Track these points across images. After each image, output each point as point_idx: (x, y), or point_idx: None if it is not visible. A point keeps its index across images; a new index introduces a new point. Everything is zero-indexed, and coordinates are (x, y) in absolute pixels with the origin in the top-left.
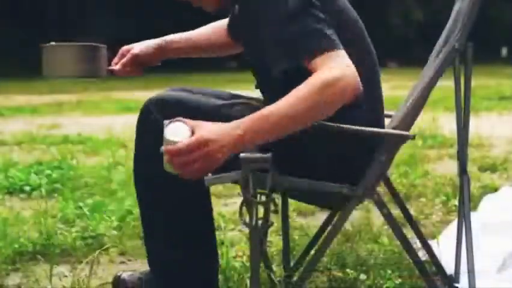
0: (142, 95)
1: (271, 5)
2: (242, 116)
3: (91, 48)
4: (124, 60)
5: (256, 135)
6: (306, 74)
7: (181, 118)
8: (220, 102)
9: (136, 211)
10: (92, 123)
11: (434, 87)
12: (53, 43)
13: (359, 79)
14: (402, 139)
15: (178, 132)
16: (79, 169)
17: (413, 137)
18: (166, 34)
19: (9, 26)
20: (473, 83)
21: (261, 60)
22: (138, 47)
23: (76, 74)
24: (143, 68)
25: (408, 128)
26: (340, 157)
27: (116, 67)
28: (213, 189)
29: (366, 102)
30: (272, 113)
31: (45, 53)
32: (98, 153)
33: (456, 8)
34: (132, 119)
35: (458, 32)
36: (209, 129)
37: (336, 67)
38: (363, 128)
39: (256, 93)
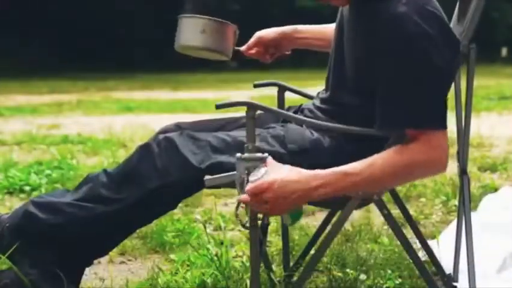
0: (142, 95)
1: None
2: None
3: (220, 24)
4: (249, 41)
5: (330, 190)
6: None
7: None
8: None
9: None
10: (92, 123)
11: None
12: (186, 15)
13: (447, 162)
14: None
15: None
16: (79, 169)
17: None
18: None
19: (9, 26)
20: (474, 83)
21: (348, 75)
22: (264, 30)
23: (201, 44)
24: (272, 56)
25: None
26: (341, 157)
27: (242, 48)
28: (212, 189)
29: None
30: (355, 174)
31: (178, 25)
32: (98, 153)
33: (458, 8)
34: (132, 119)
35: (461, 33)
36: (286, 174)
37: (436, 148)
38: (363, 128)
39: (256, 92)
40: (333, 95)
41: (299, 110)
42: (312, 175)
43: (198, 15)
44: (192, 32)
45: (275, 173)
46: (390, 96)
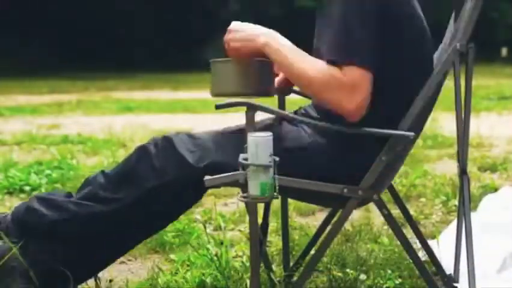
0: (142, 95)
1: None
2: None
3: (259, 64)
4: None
5: (268, 50)
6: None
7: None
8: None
9: None
10: (92, 123)
11: (437, 88)
12: (218, 59)
13: (358, 109)
14: (402, 139)
15: None
16: (79, 169)
17: (413, 137)
18: None
19: (9, 26)
20: (473, 83)
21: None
22: None
23: (250, 91)
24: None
25: (411, 129)
26: (341, 157)
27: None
28: (212, 189)
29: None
30: (288, 53)
31: (213, 70)
32: (98, 153)
33: (455, 7)
34: (132, 119)
35: (459, 33)
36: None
37: (351, 88)
38: (364, 128)
39: None
40: None
41: (298, 110)
42: (261, 32)
43: (231, 58)
44: (228, 77)
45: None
46: (328, 34)
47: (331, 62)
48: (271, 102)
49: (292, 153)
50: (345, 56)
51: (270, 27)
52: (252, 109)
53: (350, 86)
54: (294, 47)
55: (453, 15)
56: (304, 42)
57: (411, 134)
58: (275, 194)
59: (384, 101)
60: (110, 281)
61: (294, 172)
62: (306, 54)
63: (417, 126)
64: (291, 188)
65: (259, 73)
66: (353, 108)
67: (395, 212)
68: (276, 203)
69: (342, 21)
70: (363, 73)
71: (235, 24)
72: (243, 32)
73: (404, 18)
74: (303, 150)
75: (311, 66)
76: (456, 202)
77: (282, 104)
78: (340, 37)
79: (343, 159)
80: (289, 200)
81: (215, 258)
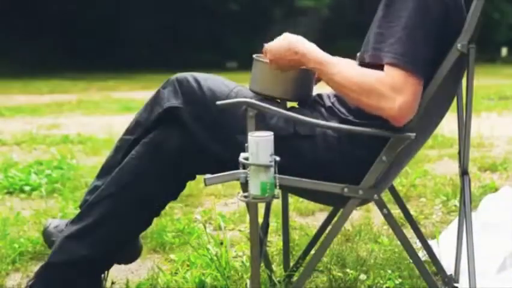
0: (142, 95)
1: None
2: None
3: (306, 72)
4: None
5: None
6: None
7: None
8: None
9: None
10: (92, 123)
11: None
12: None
13: (402, 114)
14: (403, 140)
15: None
16: (79, 169)
17: (414, 138)
18: None
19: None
20: (474, 83)
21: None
22: None
23: (287, 96)
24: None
25: (411, 129)
26: (343, 157)
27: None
28: (212, 189)
29: None
30: (330, 67)
31: (255, 67)
32: (98, 153)
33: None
34: (132, 119)
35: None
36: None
37: (393, 88)
38: (363, 128)
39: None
40: None
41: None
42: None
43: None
44: (265, 78)
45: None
46: (379, 27)
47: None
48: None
49: (301, 138)
50: (400, 59)
51: (269, 26)
52: (252, 109)
53: (390, 86)
54: (329, 57)
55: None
56: None
57: (412, 134)
58: (276, 194)
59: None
60: (113, 283)
61: (300, 159)
62: (341, 61)
63: (424, 128)
64: (293, 186)
65: (300, 80)
66: (395, 109)
67: (395, 212)
68: (276, 203)
69: (406, 23)
70: (408, 79)
71: (270, 45)
72: (278, 51)
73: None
74: (312, 137)
75: (353, 74)
76: (456, 202)
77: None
78: (401, 38)
79: (349, 155)
80: (289, 200)
81: (215, 258)
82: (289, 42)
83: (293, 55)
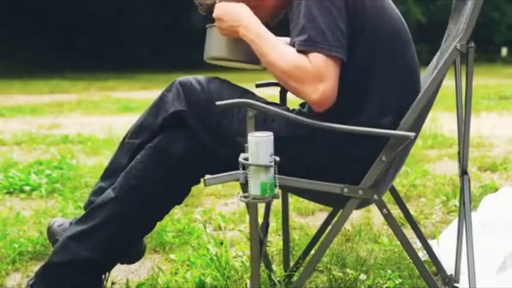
0: (142, 95)
1: None
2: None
3: None
4: None
5: (245, 35)
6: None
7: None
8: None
9: None
10: (92, 123)
11: (437, 88)
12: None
13: (324, 98)
14: (403, 140)
15: None
16: (79, 169)
17: (413, 138)
18: None
19: (9, 26)
20: (473, 83)
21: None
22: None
23: (233, 57)
24: None
25: (411, 129)
26: (342, 157)
27: None
28: (212, 189)
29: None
30: (263, 43)
31: (207, 34)
32: (98, 153)
33: (455, 8)
34: (132, 118)
35: (460, 32)
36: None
37: (322, 77)
38: (364, 128)
39: (257, 92)
40: None
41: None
42: (239, 18)
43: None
44: (221, 42)
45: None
46: (298, 15)
47: (299, 51)
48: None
49: (301, 139)
50: (311, 44)
51: (270, 27)
52: (252, 109)
53: (315, 75)
54: (268, 35)
55: (452, 15)
56: None
57: (412, 134)
58: (276, 194)
59: (351, 90)
60: (113, 283)
61: (299, 160)
62: (279, 42)
63: (417, 126)
64: (292, 187)
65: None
66: (318, 97)
67: (395, 212)
68: (276, 203)
69: (304, 10)
70: (329, 62)
71: (219, 11)
72: (226, 23)
73: (372, 10)
74: (312, 138)
75: (280, 56)
76: (456, 202)
77: (283, 100)
78: (304, 25)
79: (349, 155)
80: (289, 200)
81: (215, 258)
82: (233, 10)
83: (233, 22)
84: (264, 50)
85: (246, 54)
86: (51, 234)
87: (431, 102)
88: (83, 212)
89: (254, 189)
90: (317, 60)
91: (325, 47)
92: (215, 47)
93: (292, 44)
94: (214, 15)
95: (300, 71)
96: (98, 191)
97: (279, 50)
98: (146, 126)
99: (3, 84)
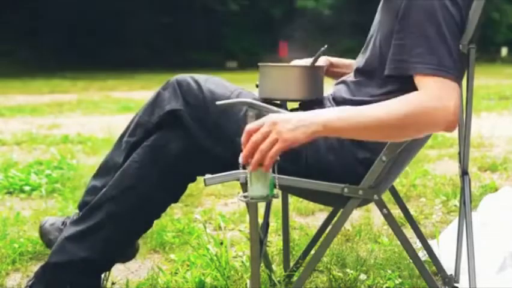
0: (142, 95)
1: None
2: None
3: (315, 69)
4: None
5: (331, 132)
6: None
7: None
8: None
9: None
10: (92, 123)
11: None
12: (270, 64)
13: (456, 118)
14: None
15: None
16: (79, 169)
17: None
18: None
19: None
20: (474, 83)
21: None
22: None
23: (298, 97)
24: None
25: None
26: (343, 158)
27: None
28: (212, 189)
29: None
30: (357, 115)
31: (263, 73)
32: (98, 153)
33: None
34: (132, 118)
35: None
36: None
37: (441, 98)
38: None
39: (257, 92)
40: (359, 83)
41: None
42: (314, 118)
43: (285, 64)
44: (286, 83)
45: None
46: (398, 39)
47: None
48: None
49: (296, 152)
50: (418, 67)
51: (270, 27)
52: (252, 109)
53: (437, 97)
54: (349, 108)
55: None
56: (305, 42)
57: None
58: (275, 193)
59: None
60: (113, 283)
61: (299, 161)
62: (365, 107)
63: None
64: (292, 186)
65: (307, 78)
66: (451, 116)
67: (395, 212)
68: (276, 203)
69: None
70: (446, 81)
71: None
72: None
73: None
74: (307, 149)
75: (388, 113)
76: (456, 202)
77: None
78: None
79: (350, 156)
80: (289, 200)
81: (215, 258)
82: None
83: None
84: (356, 119)
85: (304, 93)
86: (44, 233)
87: None
88: (77, 211)
89: (254, 189)
90: (435, 83)
91: (448, 71)
92: (264, 85)
93: (377, 40)
94: (268, 120)
95: (425, 104)
96: (92, 190)
97: (379, 108)
98: (142, 124)
99: (3, 84)
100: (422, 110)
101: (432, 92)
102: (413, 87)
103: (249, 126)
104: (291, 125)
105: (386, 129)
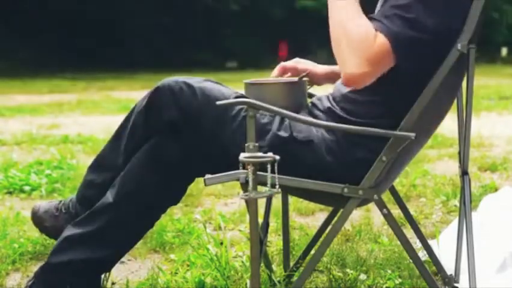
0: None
1: None
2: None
3: (297, 84)
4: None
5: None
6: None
7: None
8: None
9: None
10: (92, 123)
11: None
12: (255, 80)
13: (356, 81)
14: (402, 140)
15: None
16: (79, 169)
17: (414, 138)
18: None
19: (9, 26)
20: (474, 83)
21: None
22: (314, 64)
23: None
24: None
25: (412, 129)
26: (343, 158)
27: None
28: (212, 189)
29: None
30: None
31: (249, 91)
32: None
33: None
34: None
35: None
36: None
37: (369, 60)
38: (364, 128)
39: None
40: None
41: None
42: None
43: (272, 80)
44: (272, 99)
45: None
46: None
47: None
48: None
49: (299, 144)
50: (387, 28)
51: (270, 27)
52: (252, 109)
53: (372, 56)
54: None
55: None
56: (305, 42)
57: (412, 134)
58: (276, 190)
59: (401, 97)
60: (113, 283)
61: (298, 163)
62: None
63: (424, 128)
64: (292, 186)
65: (291, 92)
66: (356, 74)
67: (395, 212)
68: (276, 203)
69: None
70: (391, 56)
71: None
72: None
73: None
74: (310, 143)
75: (353, 19)
76: (456, 202)
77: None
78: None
79: (349, 156)
80: (289, 200)
81: (215, 258)
82: None
83: None
84: (339, 17)
85: (289, 107)
86: (39, 220)
87: (437, 103)
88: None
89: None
90: (383, 45)
91: (396, 45)
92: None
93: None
94: None
95: (361, 42)
96: (91, 185)
97: (355, 13)
98: (139, 126)
99: (3, 84)
100: (354, 46)
101: (373, 49)
102: (407, 79)
103: None
104: None
105: (335, 26)
